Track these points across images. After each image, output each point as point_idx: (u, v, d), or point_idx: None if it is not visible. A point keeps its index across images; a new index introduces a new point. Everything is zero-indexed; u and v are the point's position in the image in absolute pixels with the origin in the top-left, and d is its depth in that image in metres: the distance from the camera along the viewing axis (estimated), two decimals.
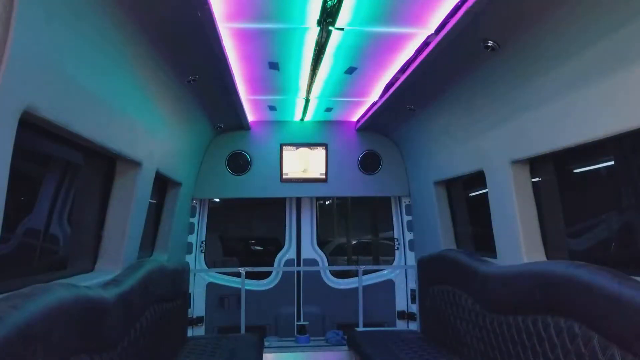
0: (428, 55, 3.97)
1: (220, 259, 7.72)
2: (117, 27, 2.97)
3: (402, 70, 4.56)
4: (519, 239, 4.04)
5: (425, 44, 3.97)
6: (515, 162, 4.07)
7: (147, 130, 4.14)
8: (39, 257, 3.52)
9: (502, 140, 4.17)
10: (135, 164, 4.00)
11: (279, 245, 7.54)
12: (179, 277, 5.34)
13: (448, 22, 3.53)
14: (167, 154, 4.92)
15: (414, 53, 4.18)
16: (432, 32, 3.78)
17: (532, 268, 3.65)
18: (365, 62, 4.53)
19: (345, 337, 6.28)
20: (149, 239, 5.72)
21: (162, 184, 5.68)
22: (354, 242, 8.16)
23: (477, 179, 4.99)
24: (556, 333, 3.24)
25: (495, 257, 4.57)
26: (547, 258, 3.98)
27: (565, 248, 3.98)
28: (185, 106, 4.96)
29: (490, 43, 3.55)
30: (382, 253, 7.86)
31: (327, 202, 8.06)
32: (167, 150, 4.89)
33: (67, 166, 3.65)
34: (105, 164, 3.96)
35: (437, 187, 5.91)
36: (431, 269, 5.79)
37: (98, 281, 3.51)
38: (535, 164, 4.09)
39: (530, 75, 3.56)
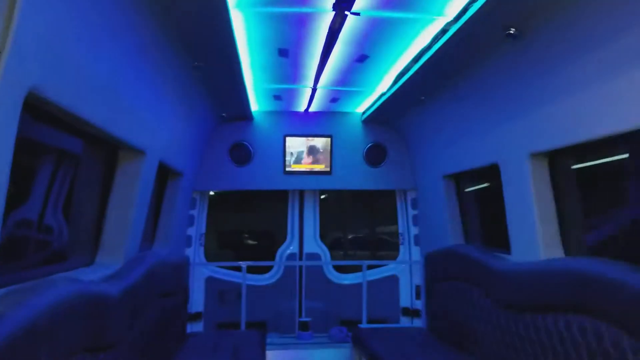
0: (445, 43, 3.82)
1: (220, 252, 7.55)
2: (123, 9, 2.80)
3: (416, 59, 4.40)
4: (536, 235, 3.91)
5: (443, 31, 3.81)
6: (534, 155, 3.93)
7: (152, 118, 3.96)
8: (37, 249, 3.34)
9: (520, 133, 4.02)
10: (139, 153, 3.83)
11: (280, 238, 7.37)
12: (179, 272, 5.18)
13: (468, 8, 3.38)
14: (170, 143, 4.74)
15: (430, 41, 4.02)
16: (451, 19, 3.62)
17: (553, 265, 3.52)
18: (378, 50, 4.36)
19: (350, 334, 6.13)
20: (149, 231, 5.55)
21: (163, 175, 5.50)
22: (358, 236, 8.00)
23: (486, 172, 4.87)
24: (580, 333, 3.11)
25: (505, 251, 4.46)
26: (565, 254, 3.85)
27: (584, 244, 3.86)
28: (189, 93, 4.78)
29: (512, 30, 3.41)
30: (386, 248, 7.70)
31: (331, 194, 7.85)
32: (170, 139, 4.71)
33: (66, 154, 3.47)
34: (107, 152, 3.78)
35: (446, 180, 5.77)
36: (439, 265, 5.66)
37: (99, 275, 3.34)
38: (553, 156, 3.96)
39: (554, 64, 3.42)
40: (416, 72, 4.55)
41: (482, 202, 5.55)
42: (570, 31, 3.09)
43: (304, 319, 6.44)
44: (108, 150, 3.77)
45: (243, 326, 6.39)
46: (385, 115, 6.36)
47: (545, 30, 3.26)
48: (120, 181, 3.81)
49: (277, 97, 5.99)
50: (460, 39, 3.69)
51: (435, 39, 3.95)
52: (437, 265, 5.73)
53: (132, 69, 3.29)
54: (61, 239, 3.59)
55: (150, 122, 3.91)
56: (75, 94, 2.51)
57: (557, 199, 3.96)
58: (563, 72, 3.37)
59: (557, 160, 3.96)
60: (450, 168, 5.60)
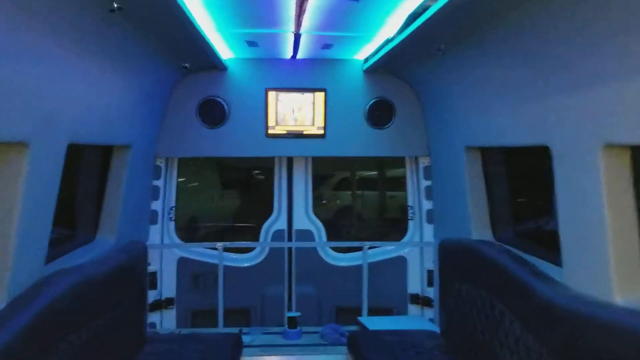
0: None
1: (193, 227, 6.44)
2: None
3: None
4: (608, 263, 2.69)
5: None
6: (610, 147, 2.64)
7: (41, 90, 2.68)
8: None
9: (589, 112, 2.71)
10: (19, 146, 2.59)
11: (266, 211, 6.17)
12: (126, 276, 4.05)
13: None
14: (91, 116, 3.48)
15: None
16: None
17: None
18: None
19: (346, 333, 5.07)
20: (90, 219, 4.42)
21: (103, 148, 4.28)
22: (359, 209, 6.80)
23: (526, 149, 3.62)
24: None
25: (550, 261, 3.44)
26: None
27: None
28: (118, 45, 3.45)
29: None
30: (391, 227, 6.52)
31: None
32: (91, 111, 3.45)
33: None
34: None
35: (469, 153, 4.46)
36: (458, 260, 4.49)
37: None
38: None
39: None
40: (435, 14, 3.16)
41: (518, 186, 4.31)
42: None
43: (292, 313, 5.35)
44: None
45: (221, 321, 5.38)
46: (392, 64, 4.96)
47: None
48: None
49: (251, 44, 4.59)
50: None
51: None
52: (455, 260, 4.56)
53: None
54: None
55: (35, 97, 2.63)
56: None
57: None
58: None
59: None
60: (476, 140, 4.29)
